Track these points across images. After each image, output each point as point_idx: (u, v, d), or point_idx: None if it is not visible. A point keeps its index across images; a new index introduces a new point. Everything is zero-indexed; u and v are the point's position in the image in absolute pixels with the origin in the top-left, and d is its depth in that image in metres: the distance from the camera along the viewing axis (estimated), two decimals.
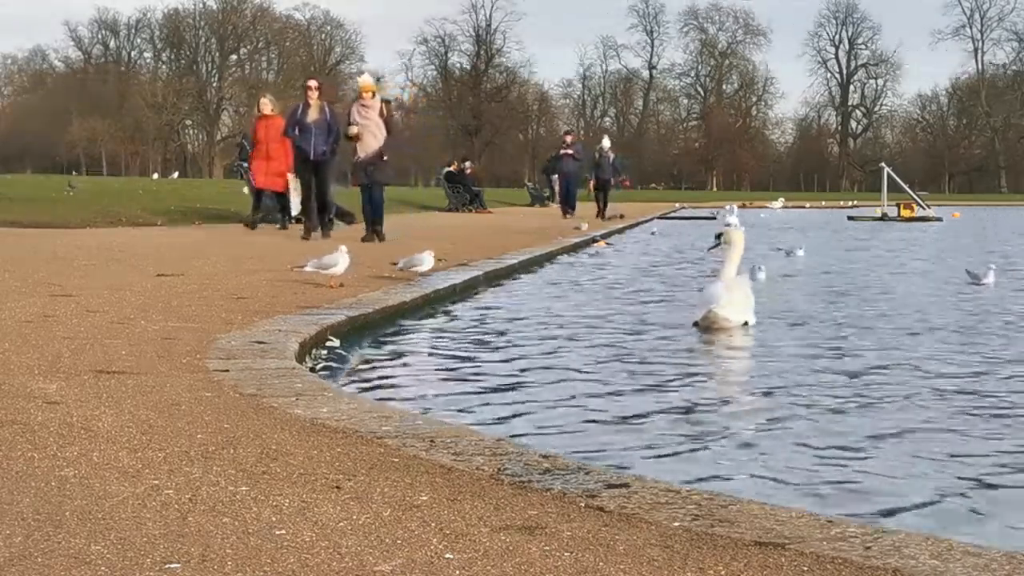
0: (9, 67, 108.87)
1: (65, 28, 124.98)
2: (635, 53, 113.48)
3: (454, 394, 5.66)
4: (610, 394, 5.66)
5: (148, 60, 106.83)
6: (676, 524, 2.83)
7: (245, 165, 21.38)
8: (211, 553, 2.57)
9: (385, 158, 15.98)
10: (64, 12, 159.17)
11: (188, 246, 14.19)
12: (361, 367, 6.44)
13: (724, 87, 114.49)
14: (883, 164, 41.81)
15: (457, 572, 2.48)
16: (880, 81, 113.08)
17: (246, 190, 22.03)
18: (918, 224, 33.35)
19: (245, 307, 7.52)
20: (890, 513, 3.61)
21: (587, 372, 6.34)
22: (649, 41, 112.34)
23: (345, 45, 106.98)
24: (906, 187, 39.48)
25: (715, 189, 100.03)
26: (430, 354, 7.09)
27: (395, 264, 10.49)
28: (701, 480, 3.93)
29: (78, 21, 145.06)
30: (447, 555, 2.59)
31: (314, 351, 6.32)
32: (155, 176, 74.36)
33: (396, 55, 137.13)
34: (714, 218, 32.94)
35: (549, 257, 15.95)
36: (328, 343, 6.63)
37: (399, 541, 2.68)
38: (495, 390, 5.78)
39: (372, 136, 15.78)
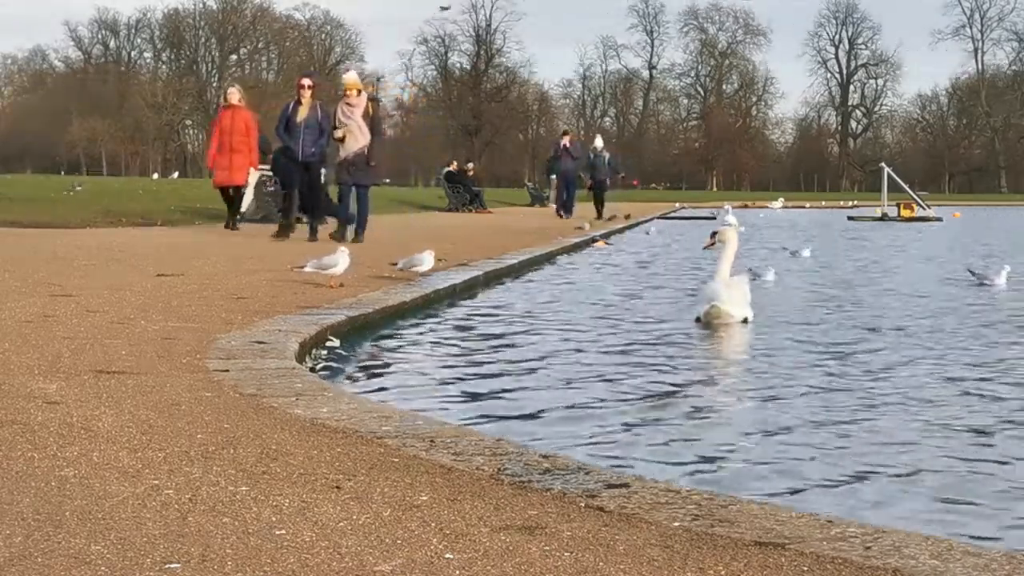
0: (9, 67, 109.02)
1: (65, 28, 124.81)
2: (635, 53, 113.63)
3: (454, 394, 5.66)
4: (611, 393, 5.66)
5: (148, 60, 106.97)
6: (676, 524, 2.82)
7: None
8: (211, 553, 2.57)
9: (372, 164, 15.33)
10: (64, 12, 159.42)
11: (188, 246, 14.19)
12: (361, 367, 6.44)
13: (724, 87, 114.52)
14: (883, 164, 41.83)
15: (457, 572, 2.48)
16: (880, 81, 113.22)
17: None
18: (919, 224, 33.36)
19: (245, 307, 7.52)
20: (890, 513, 3.60)
21: (587, 371, 6.34)
22: (649, 41, 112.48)
23: (345, 45, 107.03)
24: (906, 187, 39.50)
25: (715, 189, 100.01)
26: (430, 354, 7.08)
27: (395, 264, 10.49)
28: (701, 480, 3.93)
29: (78, 21, 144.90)
30: (447, 555, 2.59)
31: (314, 351, 6.32)
32: (155, 176, 74.39)
33: (396, 55, 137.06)
34: (714, 218, 32.93)
35: (549, 257, 15.95)
36: (328, 343, 6.63)
37: (399, 541, 2.68)
38: (495, 390, 5.77)
39: (353, 136, 15.06)
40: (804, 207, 60.75)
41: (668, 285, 12.26)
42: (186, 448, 3.59)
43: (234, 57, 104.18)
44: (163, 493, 3.07)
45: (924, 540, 2.70)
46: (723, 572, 2.49)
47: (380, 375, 6.21)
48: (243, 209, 18.12)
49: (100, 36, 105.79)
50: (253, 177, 17.79)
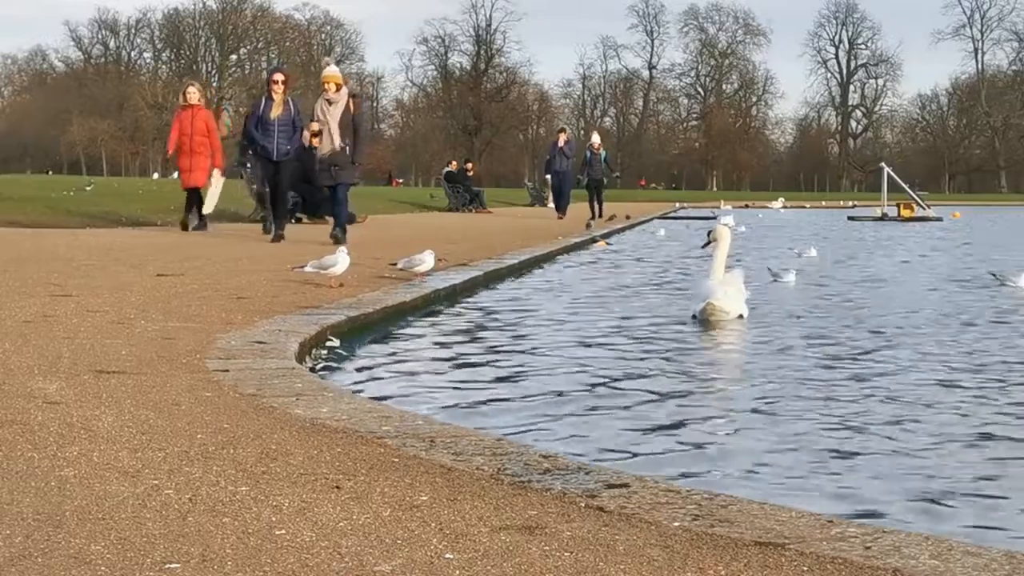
0: (9, 67, 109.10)
1: (65, 28, 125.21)
2: (635, 53, 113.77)
3: (454, 394, 5.66)
4: (611, 392, 5.66)
5: (148, 60, 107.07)
6: (676, 524, 2.82)
7: (248, 165, 20.82)
8: (211, 553, 2.57)
9: (355, 163, 14.46)
10: (64, 12, 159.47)
11: (188, 246, 14.19)
12: (361, 367, 6.44)
13: (724, 87, 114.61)
14: (883, 164, 41.83)
15: (457, 572, 2.48)
16: (880, 81, 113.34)
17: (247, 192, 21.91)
18: (919, 224, 33.35)
19: (245, 307, 7.52)
20: (891, 513, 3.60)
21: (587, 370, 6.34)
22: (649, 41, 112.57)
23: (345, 45, 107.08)
24: (906, 187, 39.51)
25: (715, 189, 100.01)
26: (430, 354, 7.08)
27: (395, 264, 10.49)
28: (701, 480, 3.93)
29: (78, 21, 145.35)
30: (447, 555, 2.59)
31: (314, 351, 6.32)
32: (155, 176, 74.35)
33: (396, 55, 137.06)
34: (714, 218, 32.94)
35: (549, 257, 15.94)
36: (328, 343, 6.63)
37: (399, 541, 2.68)
38: (495, 390, 5.77)
39: (330, 134, 14.14)
40: (804, 207, 60.76)
41: (667, 281, 12.26)
42: (186, 448, 3.59)
43: (234, 57, 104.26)
44: (163, 493, 3.07)
45: (924, 540, 2.70)
46: (723, 572, 2.49)
47: (380, 375, 6.21)
48: (209, 210, 17.58)
49: (100, 36, 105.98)
50: (218, 178, 17.22)
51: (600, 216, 29.25)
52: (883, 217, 36.44)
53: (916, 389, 5.82)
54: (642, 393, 5.69)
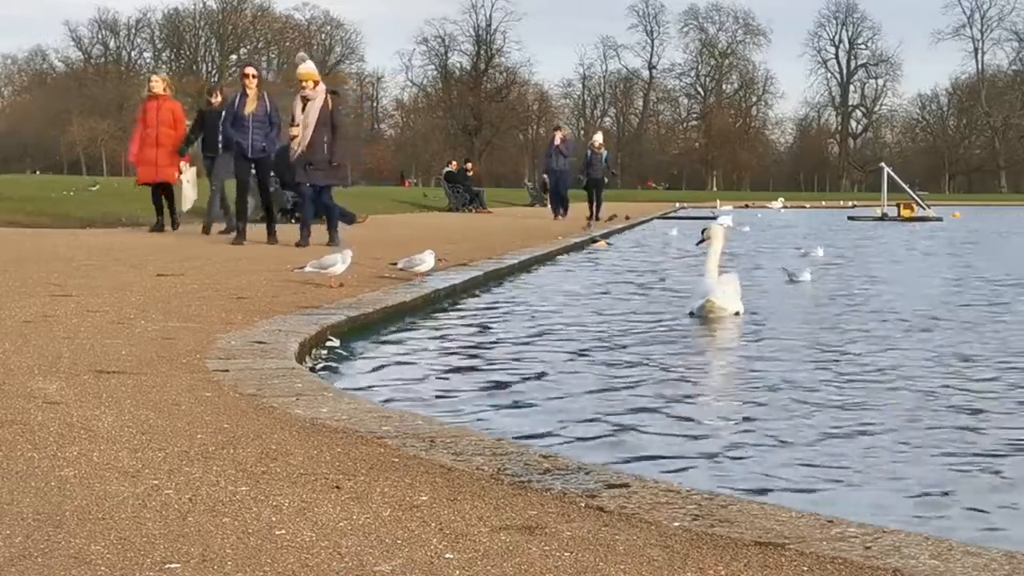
0: (9, 67, 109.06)
1: (65, 28, 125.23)
2: (635, 53, 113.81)
3: (454, 394, 5.66)
4: (611, 391, 5.66)
5: (148, 60, 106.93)
6: (676, 524, 2.82)
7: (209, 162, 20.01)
8: (211, 553, 2.57)
9: (334, 164, 14.13)
10: (64, 12, 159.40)
11: (188, 246, 14.18)
12: (361, 367, 6.44)
13: (724, 87, 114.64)
14: (883, 164, 41.83)
15: (457, 572, 2.48)
16: (880, 81, 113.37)
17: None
18: (919, 224, 33.35)
19: (245, 307, 7.52)
20: (891, 513, 3.60)
21: (587, 370, 6.34)
22: (649, 41, 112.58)
23: (345, 45, 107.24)
24: (906, 187, 39.51)
25: (715, 189, 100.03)
26: (430, 354, 7.08)
27: (395, 264, 10.49)
28: (701, 480, 3.93)
29: (78, 21, 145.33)
30: (447, 555, 2.59)
31: (314, 351, 6.32)
32: None
33: (396, 55, 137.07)
34: (714, 218, 32.94)
35: (549, 257, 15.94)
36: (328, 343, 6.63)
37: (399, 541, 2.68)
38: (495, 390, 5.77)
39: (307, 130, 13.73)
40: (804, 207, 60.76)
41: (664, 280, 12.26)
42: (186, 448, 3.59)
43: (234, 57, 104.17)
44: (163, 493, 3.07)
45: (924, 540, 2.70)
46: (723, 572, 2.49)
47: (380, 375, 6.21)
48: (186, 208, 17.03)
49: (100, 36, 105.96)
50: (190, 174, 16.65)
51: (599, 217, 29.15)
52: (883, 217, 36.44)
53: (916, 388, 5.82)
54: (642, 393, 5.69)
